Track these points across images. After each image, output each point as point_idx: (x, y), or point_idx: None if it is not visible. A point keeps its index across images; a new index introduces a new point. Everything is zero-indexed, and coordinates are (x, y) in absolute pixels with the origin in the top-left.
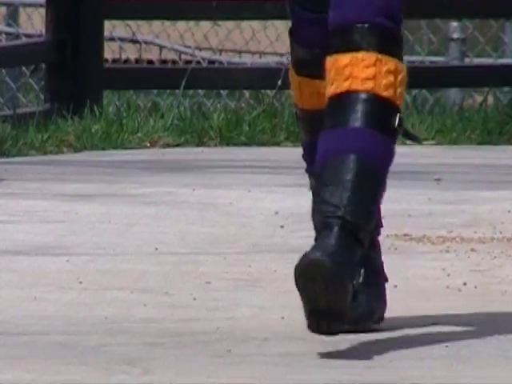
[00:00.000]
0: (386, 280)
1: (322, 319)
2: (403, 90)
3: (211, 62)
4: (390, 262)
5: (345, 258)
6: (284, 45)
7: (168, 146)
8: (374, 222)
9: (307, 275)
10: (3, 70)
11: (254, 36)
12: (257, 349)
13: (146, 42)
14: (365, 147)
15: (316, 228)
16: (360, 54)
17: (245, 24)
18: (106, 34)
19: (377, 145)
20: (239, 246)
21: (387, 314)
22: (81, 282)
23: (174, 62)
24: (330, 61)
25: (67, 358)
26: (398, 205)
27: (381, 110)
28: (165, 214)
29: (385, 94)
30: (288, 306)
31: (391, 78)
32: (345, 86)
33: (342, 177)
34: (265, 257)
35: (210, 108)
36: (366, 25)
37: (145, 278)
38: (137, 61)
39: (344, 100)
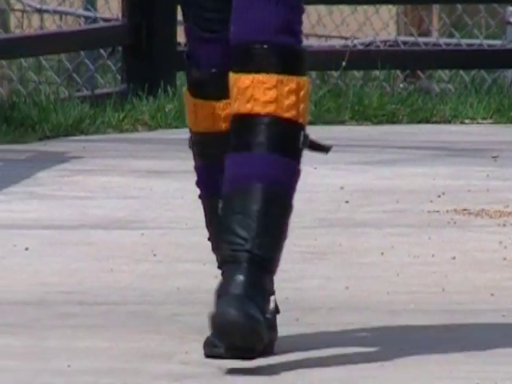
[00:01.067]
0: None
1: (237, 354)
2: (307, 104)
3: None
4: (450, 236)
5: (255, 298)
6: (349, 29)
7: None
8: (282, 249)
9: (224, 333)
10: (82, 53)
11: (319, 20)
12: (323, 318)
13: None
14: (270, 174)
15: (222, 257)
16: (261, 76)
17: (311, 9)
18: (179, 18)
19: (282, 170)
20: (306, 221)
21: (446, 286)
22: (155, 255)
23: None
24: (232, 77)
25: (142, 326)
26: (457, 181)
27: (284, 132)
28: None
29: (287, 115)
30: (352, 277)
31: (293, 98)
32: (247, 107)
33: (249, 207)
34: (330, 230)
35: None
36: (266, 45)
37: None
38: None
39: (247, 123)
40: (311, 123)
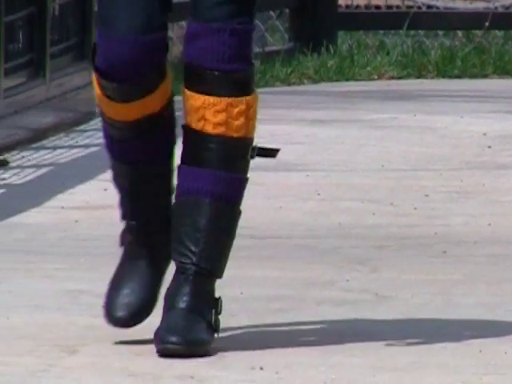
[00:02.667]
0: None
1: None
2: (255, 119)
3: (429, 6)
4: None
5: (200, 308)
6: None
7: (392, 78)
8: (228, 254)
9: (166, 355)
10: None
11: None
12: (468, 250)
13: None
14: (218, 190)
15: (173, 259)
16: (211, 99)
17: None
18: None
19: (229, 185)
20: (453, 164)
21: None
22: (319, 194)
23: (397, 6)
24: (186, 92)
25: (307, 258)
26: None
27: (233, 150)
28: (390, 136)
29: (236, 135)
30: (494, 214)
31: (242, 119)
32: (199, 125)
33: (198, 220)
34: (475, 172)
35: (428, 46)
36: (216, 72)
37: (373, 190)
38: (366, 6)
39: (199, 139)
40: (458, 76)
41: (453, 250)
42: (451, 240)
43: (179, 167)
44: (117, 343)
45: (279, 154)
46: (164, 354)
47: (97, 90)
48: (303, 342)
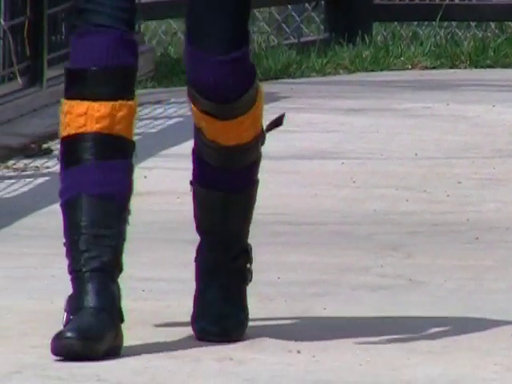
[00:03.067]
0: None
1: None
2: (261, 114)
3: None
4: None
5: (234, 287)
6: None
7: (426, 68)
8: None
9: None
10: (289, 6)
11: None
12: (500, 236)
13: None
14: (239, 186)
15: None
16: (218, 123)
17: None
18: None
19: (248, 177)
20: (485, 152)
21: None
22: (354, 181)
23: None
24: (190, 103)
25: (342, 244)
26: None
27: (246, 152)
28: (423, 125)
29: (248, 140)
30: None
31: (251, 130)
32: (209, 138)
33: (221, 212)
34: (507, 160)
35: (461, 37)
36: (219, 102)
37: (407, 177)
38: None
39: (214, 149)
40: (490, 66)
41: (485, 236)
42: (483, 226)
43: (194, 154)
44: (157, 326)
45: (315, 144)
46: (202, 339)
47: (64, 105)
48: (339, 326)
